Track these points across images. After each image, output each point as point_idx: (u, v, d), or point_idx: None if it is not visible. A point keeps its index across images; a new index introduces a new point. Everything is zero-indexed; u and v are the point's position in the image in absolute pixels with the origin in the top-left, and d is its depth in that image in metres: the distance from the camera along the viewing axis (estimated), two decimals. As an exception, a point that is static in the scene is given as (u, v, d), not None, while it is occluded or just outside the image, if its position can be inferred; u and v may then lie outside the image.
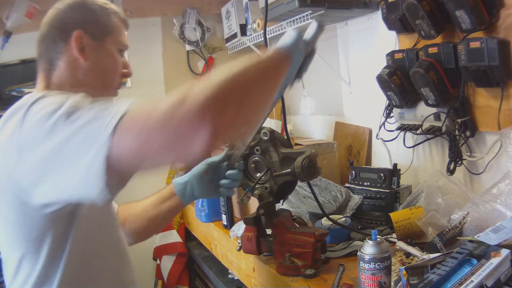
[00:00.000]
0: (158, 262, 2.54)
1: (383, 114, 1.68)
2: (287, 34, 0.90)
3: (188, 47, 2.63)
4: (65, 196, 0.77)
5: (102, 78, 1.01)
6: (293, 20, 1.82)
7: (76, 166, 0.70)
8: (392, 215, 1.33)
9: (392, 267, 1.02)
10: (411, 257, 1.17)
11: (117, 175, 0.70)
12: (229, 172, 1.18)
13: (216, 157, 1.19)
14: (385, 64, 1.58)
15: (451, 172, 1.42)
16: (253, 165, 1.25)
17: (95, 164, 0.68)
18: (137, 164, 0.71)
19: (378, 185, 1.51)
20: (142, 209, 1.25)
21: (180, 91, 0.67)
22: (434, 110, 1.43)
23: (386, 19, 1.54)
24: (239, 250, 1.32)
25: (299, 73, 0.98)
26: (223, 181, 1.18)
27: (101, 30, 1.00)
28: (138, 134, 0.67)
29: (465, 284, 0.82)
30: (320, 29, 0.96)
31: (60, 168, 0.73)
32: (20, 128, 0.78)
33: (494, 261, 0.87)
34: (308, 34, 0.95)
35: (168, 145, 0.67)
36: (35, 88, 0.99)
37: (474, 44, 1.20)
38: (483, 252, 0.92)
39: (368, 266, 0.95)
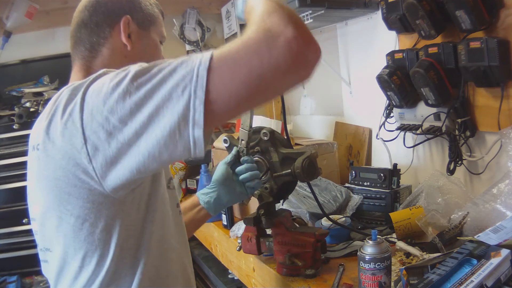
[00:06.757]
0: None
1: (383, 114, 1.68)
2: None
3: (188, 47, 2.63)
4: (150, 161, 0.67)
5: None
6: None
7: (168, 116, 0.64)
8: (392, 215, 1.33)
9: (392, 267, 1.02)
10: (411, 257, 1.17)
11: (211, 121, 0.65)
12: (244, 165, 1.14)
13: (228, 156, 1.17)
14: (385, 64, 1.58)
15: (451, 172, 1.42)
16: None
17: (195, 107, 0.62)
18: (235, 107, 0.66)
19: (378, 185, 1.51)
20: None
21: (258, 27, 0.66)
22: (434, 110, 1.43)
23: (386, 19, 1.54)
24: (239, 250, 1.32)
25: None
26: (242, 176, 1.14)
27: (147, 19, 0.96)
28: (237, 70, 0.63)
29: (465, 284, 0.82)
30: None
31: (150, 127, 0.65)
32: (85, 105, 0.69)
33: (494, 261, 0.87)
34: None
35: (274, 73, 0.64)
36: (72, 79, 0.91)
37: (474, 44, 1.20)
38: (483, 252, 0.92)
39: (368, 266, 0.95)
